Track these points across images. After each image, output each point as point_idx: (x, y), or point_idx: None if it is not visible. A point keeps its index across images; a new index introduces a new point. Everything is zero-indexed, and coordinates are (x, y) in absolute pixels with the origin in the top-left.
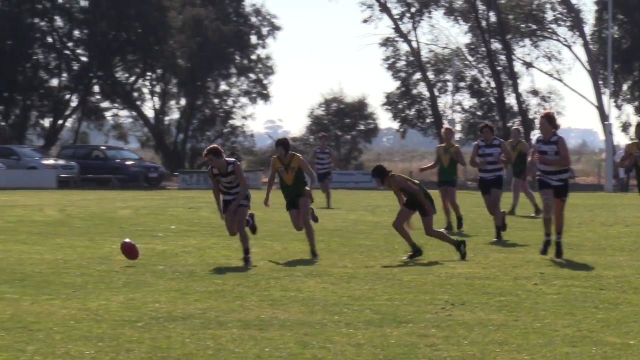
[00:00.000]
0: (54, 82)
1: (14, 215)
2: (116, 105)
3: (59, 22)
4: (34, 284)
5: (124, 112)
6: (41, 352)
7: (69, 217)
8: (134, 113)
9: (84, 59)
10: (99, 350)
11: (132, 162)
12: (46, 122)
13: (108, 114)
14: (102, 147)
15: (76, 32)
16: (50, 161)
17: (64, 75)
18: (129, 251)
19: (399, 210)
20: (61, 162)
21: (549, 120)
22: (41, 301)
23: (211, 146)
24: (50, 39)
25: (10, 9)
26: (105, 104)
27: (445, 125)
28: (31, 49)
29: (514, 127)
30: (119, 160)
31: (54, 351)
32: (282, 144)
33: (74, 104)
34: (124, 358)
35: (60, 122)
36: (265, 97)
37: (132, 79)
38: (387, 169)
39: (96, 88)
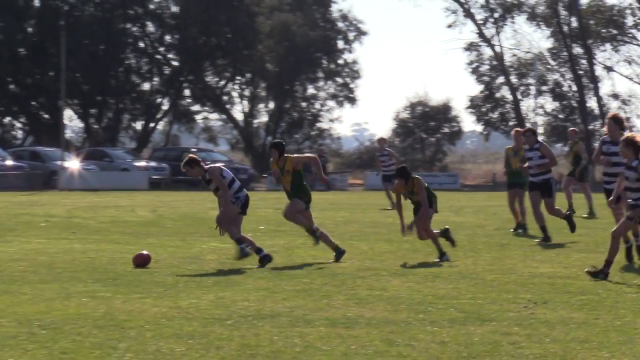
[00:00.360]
0: (146, 86)
1: (107, 216)
2: (206, 108)
3: (150, 27)
4: (126, 283)
5: (214, 115)
6: (133, 349)
7: (161, 217)
8: (224, 116)
9: (175, 63)
10: (189, 348)
11: (222, 164)
12: (138, 125)
13: (198, 117)
14: (193, 150)
15: (167, 37)
16: (142, 163)
17: (156, 79)
18: (140, 261)
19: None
20: (153, 164)
21: (616, 122)
22: (133, 300)
23: (187, 157)
24: (142, 44)
25: (103, 14)
26: (195, 108)
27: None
28: (123, 53)
29: (570, 129)
30: (209, 162)
31: (145, 348)
32: (275, 146)
33: (165, 107)
34: (214, 355)
35: (151, 125)
36: (352, 100)
37: (222, 83)
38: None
39: (187, 92)
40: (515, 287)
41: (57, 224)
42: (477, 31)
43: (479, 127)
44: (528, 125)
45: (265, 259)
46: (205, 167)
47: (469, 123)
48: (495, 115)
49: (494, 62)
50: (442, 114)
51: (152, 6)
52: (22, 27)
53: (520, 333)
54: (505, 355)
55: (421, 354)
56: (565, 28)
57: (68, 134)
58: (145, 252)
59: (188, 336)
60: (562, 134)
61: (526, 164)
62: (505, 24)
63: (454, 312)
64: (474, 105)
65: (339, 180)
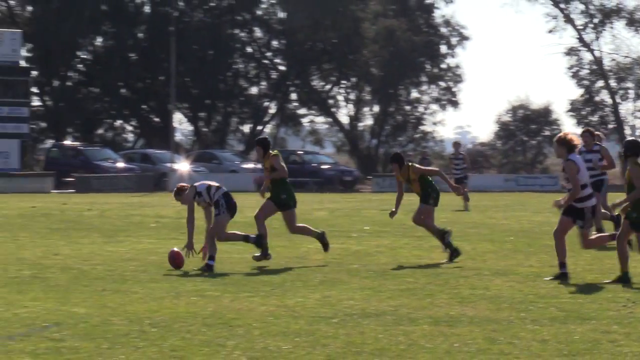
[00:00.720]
0: (254, 90)
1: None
2: (312, 112)
3: (258, 33)
4: (235, 282)
5: (320, 119)
6: (241, 347)
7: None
8: (330, 119)
9: (282, 68)
10: (295, 346)
11: (328, 166)
12: (246, 128)
13: (305, 120)
14: (300, 152)
15: (274, 43)
16: (250, 165)
17: (263, 83)
18: (174, 260)
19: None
20: (260, 166)
21: (591, 134)
22: (241, 298)
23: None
24: (249, 49)
25: (211, 20)
26: (302, 111)
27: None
28: (232, 58)
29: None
30: (315, 165)
31: (252, 346)
32: (260, 143)
33: (272, 110)
34: (320, 353)
35: (259, 128)
36: (455, 104)
37: (328, 86)
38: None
39: (293, 95)
40: (615, 286)
41: (166, 224)
42: (577, 36)
43: (579, 130)
44: (627, 129)
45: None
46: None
47: (569, 126)
48: (594, 118)
49: (594, 67)
50: (543, 117)
51: (259, 12)
52: (132, 33)
53: (620, 331)
54: (604, 353)
55: (522, 352)
56: None
57: (178, 136)
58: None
59: (295, 334)
60: None
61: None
62: (605, 29)
63: (555, 311)
64: (574, 108)
65: (439, 182)
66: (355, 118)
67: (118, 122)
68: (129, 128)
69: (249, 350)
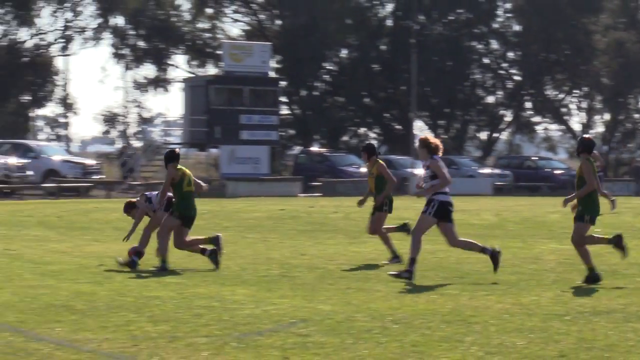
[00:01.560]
0: (490, 99)
1: (455, 219)
2: (546, 119)
3: (494, 45)
4: (472, 281)
5: (553, 126)
6: (478, 342)
7: (504, 220)
8: (563, 127)
9: (517, 78)
10: (530, 342)
11: (561, 171)
12: (483, 135)
13: (539, 128)
14: (534, 158)
15: (510, 54)
16: (487, 170)
17: (499, 92)
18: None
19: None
20: (497, 171)
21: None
22: (478, 297)
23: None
24: (486, 60)
25: (450, 33)
26: (536, 119)
27: None
28: (469, 69)
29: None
30: (548, 170)
31: (489, 342)
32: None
33: (508, 118)
34: (553, 348)
35: (495, 135)
36: None
37: (561, 96)
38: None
39: (528, 104)
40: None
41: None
42: None
43: None
44: None
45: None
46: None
47: None
48: None
49: None
50: None
51: (496, 25)
52: (375, 46)
53: None
54: None
55: None
56: None
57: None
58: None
59: (529, 330)
60: None
61: None
62: None
63: None
64: None
65: None
66: (586, 125)
67: (362, 130)
68: (372, 135)
69: (485, 346)
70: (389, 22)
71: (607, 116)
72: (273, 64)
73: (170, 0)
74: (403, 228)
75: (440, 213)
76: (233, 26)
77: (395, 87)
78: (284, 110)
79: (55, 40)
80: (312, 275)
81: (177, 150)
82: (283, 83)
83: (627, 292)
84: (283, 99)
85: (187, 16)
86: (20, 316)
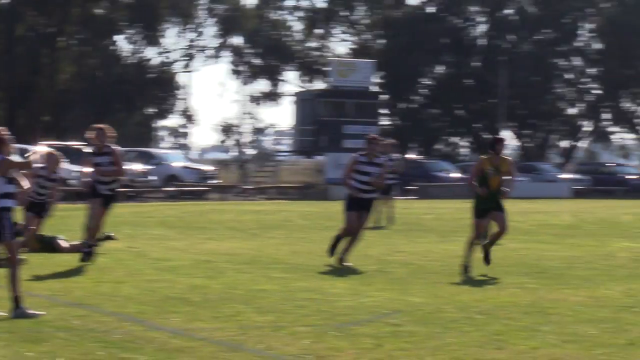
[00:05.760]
0: (572, 110)
1: (535, 220)
2: (622, 129)
3: (576, 61)
4: (550, 276)
5: (628, 135)
6: (554, 332)
7: (581, 221)
8: (637, 136)
9: (596, 92)
10: (603, 331)
11: (635, 176)
12: (564, 144)
13: (614, 137)
14: (609, 164)
15: (590, 70)
16: (566, 175)
17: (580, 105)
18: None
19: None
20: (576, 176)
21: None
22: (555, 290)
23: None
24: (568, 76)
25: (536, 51)
26: (613, 129)
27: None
28: (552, 83)
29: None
30: (622, 175)
31: (564, 331)
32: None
33: (587, 129)
34: (622, 337)
35: (575, 143)
36: None
37: (635, 108)
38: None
39: (606, 115)
40: None
41: None
42: None
43: None
44: None
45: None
46: None
47: None
48: None
49: None
50: None
51: (578, 44)
52: (468, 62)
53: None
54: None
55: None
56: None
57: (506, 151)
58: None
59: (600, 321)
60: None
61: None
62: None
63: None
64: None
65: None
66: None
67: (455, 139)
68: (464, 144)
69: (561, 335)
70: (481, 41)
71: None
72: (376, 79)
73: (283, 21)
74: None
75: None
76: (340, 45)
77: (485, 99)
78: (385, 122)
79: (179, 58)
80: (405, 270)
81: None
82: (385, 96)
83: None
84: (384, 111)
85: (298, 36)
86: (140, 307)
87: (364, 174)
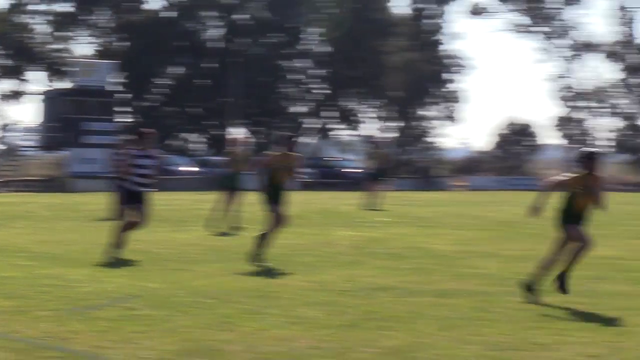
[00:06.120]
0: (297, 109)
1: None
2: (347, 127)
3: (306, 63)
4: (276, 263)
5: (350, 132)
6: (280, 314)
7: (305, 212)
8: (356, 132)
9: (325, 91)
10: (325, 313)
11: (354, 170)
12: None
13: (338, 134)
14: (332, 159)
15: (320, 71)
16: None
17: (309, 104)
18: None
19: None
20: (304, 170)
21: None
22: (280, 276)
23: None
24: (295, 76)
25: (265, 53)
26: (338, 126)
27: None
28: (278, 83)
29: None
30: (343, 169)
31: (289, 314)
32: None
33: (314, 126)
34: (344, 319)
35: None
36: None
37: (359, 107)
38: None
39: (333, 114)
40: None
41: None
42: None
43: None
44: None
45: None
46: None
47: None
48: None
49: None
50: (527, 130)
51: (308, 47)
52: (204, 64)
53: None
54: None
55: (502, 317)
56: None
57: (241, 147)
58: None
59: (322, 304)
60: None
61: None
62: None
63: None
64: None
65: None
66: (380, 131)
67: (188, 135)
68: (199, 140)
69: (287, 317)
70: (219, 44)
71: (399, 123)
72: (119, 79)
73: (28, 24)
74: None
75: None
76: (86, 47)
77: (221, 98)
78: (128, 119)
79: None
80: (143, 257)
81: None
82: (126, 95)
83: (405, 271)
84: (126, 108)
85: (46, 38)
86: None
87: (140, 167)
